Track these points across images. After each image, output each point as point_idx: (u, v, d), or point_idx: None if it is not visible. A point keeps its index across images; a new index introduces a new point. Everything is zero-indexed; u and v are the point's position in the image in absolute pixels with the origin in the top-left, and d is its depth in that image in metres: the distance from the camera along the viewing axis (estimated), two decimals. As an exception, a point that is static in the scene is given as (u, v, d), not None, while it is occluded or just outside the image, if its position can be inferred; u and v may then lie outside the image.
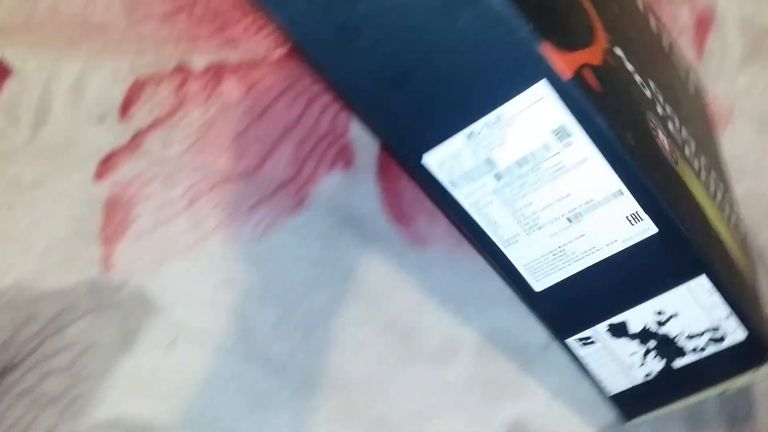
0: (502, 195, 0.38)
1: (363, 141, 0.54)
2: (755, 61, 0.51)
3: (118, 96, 0.56)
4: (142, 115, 0.55)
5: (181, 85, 0.56)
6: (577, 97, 0.36)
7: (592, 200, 0.38)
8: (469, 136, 0.37)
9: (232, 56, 0.57)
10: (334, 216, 0.52)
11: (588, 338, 0.42)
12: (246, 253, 0.50)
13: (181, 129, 0.55)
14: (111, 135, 0.55)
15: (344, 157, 0.54)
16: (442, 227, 0.52)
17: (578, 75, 0.35)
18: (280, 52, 0.57)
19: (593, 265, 0.40)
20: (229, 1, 0.58)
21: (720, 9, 0.53)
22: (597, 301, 0.42)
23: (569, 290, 0.41)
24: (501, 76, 0.36)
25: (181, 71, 0.56)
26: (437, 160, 0.38)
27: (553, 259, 0.40)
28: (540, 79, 0.35)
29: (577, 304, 0.42)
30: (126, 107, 0.56)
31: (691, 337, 0.41)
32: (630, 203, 0.38)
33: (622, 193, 0.38)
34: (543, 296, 0.42)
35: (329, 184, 0.53)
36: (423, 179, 0.39)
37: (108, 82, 0.56)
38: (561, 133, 0.36)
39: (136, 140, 0.55)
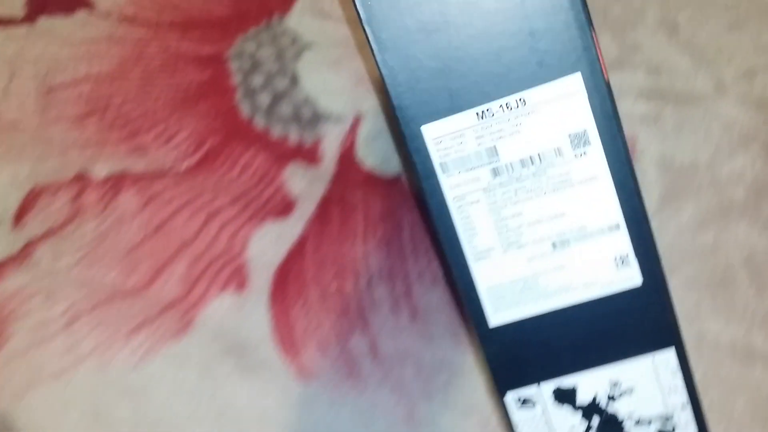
0: (492, 195, 0.35)
1: (260, 262, 0.51)
2: (670, 202, 0.47)
3: (13, 203, 0.54)
4: (35, 225, 0.53)
5: (79, 194, 0.53)
6: (608, 103, 0.33)
7: (585, 228, 0.34)
8: (482, 115, 0.34)
9: (138, 165, 0.54)
10: (219, 342, 0.49)
11: (528, 399, 0.38)
12: (118, 383, 0.47)
13: (73, 241, 0.52)
14: (1, 244, 0.52)
15: (238, 278, 0.51)
16: (331, 359, 0.48)
17: (609, 82, 0.33)
18: (188, 163, 0.54)
19: (562, 308, 0.36)
20: (141, 108, 0.56)
21: (640, 146, 0.50)
22: (553, 353, 0.37)
23: (527, 332, 0.37)
24: (540, 54, 0.33)
25: (81, 180, 0.54)
26: (437, 133, 0.34)
27: (521, 289, 0.36)
28: (578, 71, 0.33)
29: (531, 351, 0.38)
30: (20, 215, 0.53)
31: (639, 422, 0.37)
32: (623, 243, 0.34)
33: (619, 229, 0.34)
34: (497, 333, 0.37)
35: (219, 306, 0.50)
36: (413, 153, 0.35)
37: (5, 187, 0.54)
38: (579, 140, 0.33)
39: (25, 251, 0.52)
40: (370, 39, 0.34)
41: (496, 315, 0.37)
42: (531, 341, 0.37)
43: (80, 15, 0.62)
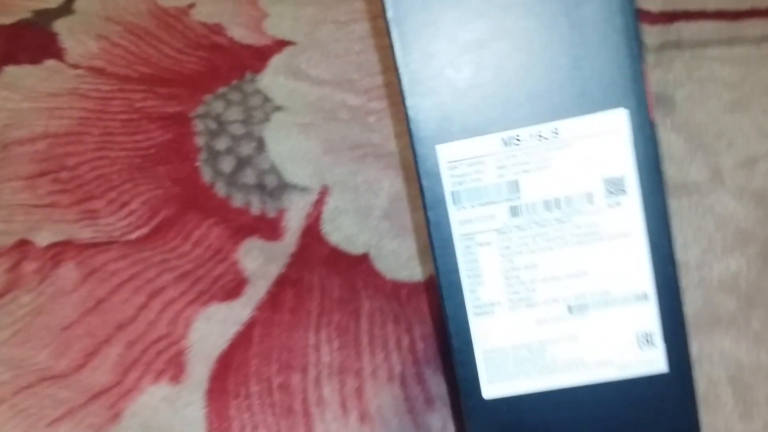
0: (506, 239, 0.30)
1: (201, 349, 0.47)
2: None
3: (-50, 269, 0.50)
4: (-30, 294, 0.49)
5: (18, 263, 0.50)
6: (653, 148, 0.28)
7: (608, 293, 0.30)
8: (508, 142, 0.29)
9: (85, 232, 0.50)
10: (148, 439, 0.44)
11: None
12: (30, 481, 0.43)
13: (7, 315, 0.48)
14: (-68, 315, 0.49)
15: (175, 367, 0.46)
16: (267, 466, 0.44)
17: (656, 124, 0.29)
18: (140, 233, 0.50)
19: (569, 388, 0.31)
20: (97, 170, 0.52)
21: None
22: None
23: (525, 412, 0.32)
24: (584, 82, 0.28)
25: (22, 246, 0.50)
26: (453, 156, 0.30)
27: (525, 358, 0.31)
28: (624, 106, 0.28)
29: None
30: (-44, 284, 0.50)
31: None
32: (650, 317, 0.30)
33: (647, 299, 0.30)
34: (489, 408, 0.32)
35: (152, 398, 0.46)
36: (422, 176, 0.30)
37: (-57, 252, 0.51)
38: (614, 187, 0.29)
39: (-43, 323, 0.48)
40: (394, 37, 0.30)
41: (492, 385, 0.32)
42: (527, 424, 0.32)
43: (48, 64, 0.59)
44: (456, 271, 0.31)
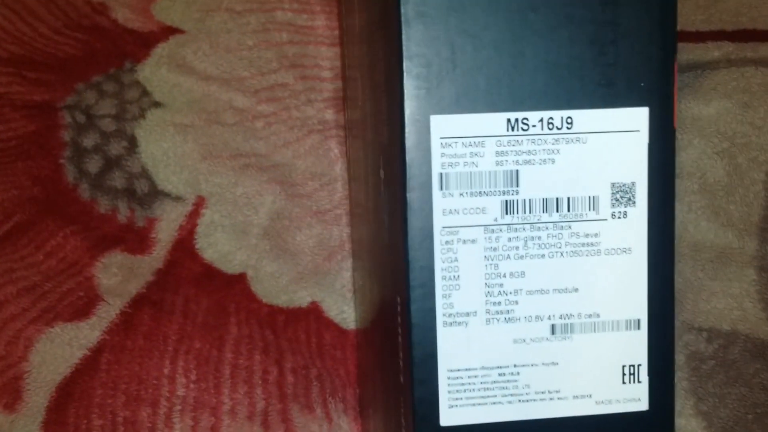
0: (494, 239, 0.28)
1: (40, 374, 0.45)
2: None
3: None
4: None
5: None
6: (671, 157, 0.27)
7: (598, 315, 0.28)
8: (514, 125, 0.28)
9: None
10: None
11: None
12: None
13: None
14: None
15: (11, 393, 0.45)
16: None
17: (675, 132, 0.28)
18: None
19: (536, 421, 0.29)
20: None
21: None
22: None
23: None
24: (609, 72, 0.27)
25: None
26: (449, 131, 0.27)
27: (495, 382, 0.29)
28: (646, 105, 0.28)
29: None
30: None
31: None
32: (639, 348, 0.29)
33: (639, 328, 0.28)
34: None
35: (-20, 427, 0.44)
36: (408, 149, 0.28)
37: None
38: (622, 195, 0.28)
39: None
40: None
41: (452, 411, 0.29)
42: None
43: None
44: (431, 269, 0.29)
